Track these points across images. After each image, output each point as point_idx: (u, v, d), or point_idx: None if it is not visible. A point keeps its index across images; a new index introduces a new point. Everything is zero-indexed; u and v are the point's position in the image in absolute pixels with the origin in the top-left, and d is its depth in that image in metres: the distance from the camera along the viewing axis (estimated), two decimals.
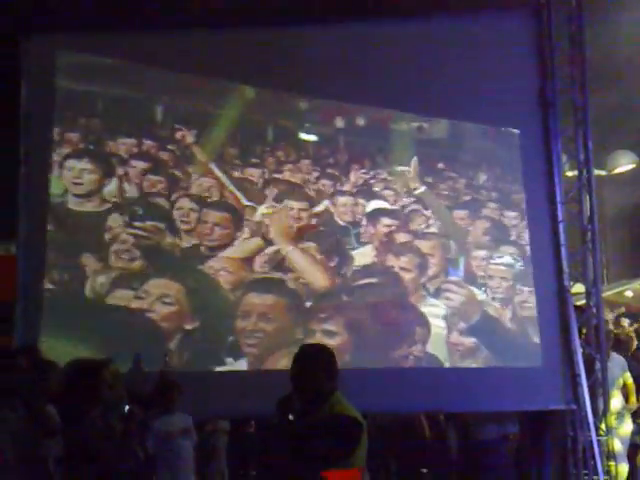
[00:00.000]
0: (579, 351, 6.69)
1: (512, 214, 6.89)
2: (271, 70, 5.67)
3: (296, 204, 5.09)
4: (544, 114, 7.19)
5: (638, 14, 8.06)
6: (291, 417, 3.33)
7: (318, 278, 5.00)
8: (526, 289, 6.80)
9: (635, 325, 8.70)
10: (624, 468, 6.91)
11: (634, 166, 11.71)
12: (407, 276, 5.03)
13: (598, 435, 6.54)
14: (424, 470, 7.64)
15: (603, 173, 11.25)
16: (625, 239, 13.10)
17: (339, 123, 5.29)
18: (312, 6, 6.21)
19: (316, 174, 5.17)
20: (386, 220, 5.13)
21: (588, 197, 7.08)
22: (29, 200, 5.07)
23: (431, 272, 5.12)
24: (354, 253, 5.04)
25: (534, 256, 6.93)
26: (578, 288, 7.40)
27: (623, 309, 11.49)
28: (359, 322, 5.02)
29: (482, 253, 5.40)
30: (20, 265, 4.99)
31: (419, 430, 7.04)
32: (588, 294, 7.02)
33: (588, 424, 6.50)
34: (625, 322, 8.61)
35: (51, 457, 3.90)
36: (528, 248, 6.92)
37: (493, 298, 5.36)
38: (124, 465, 4.14)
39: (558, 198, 7.07)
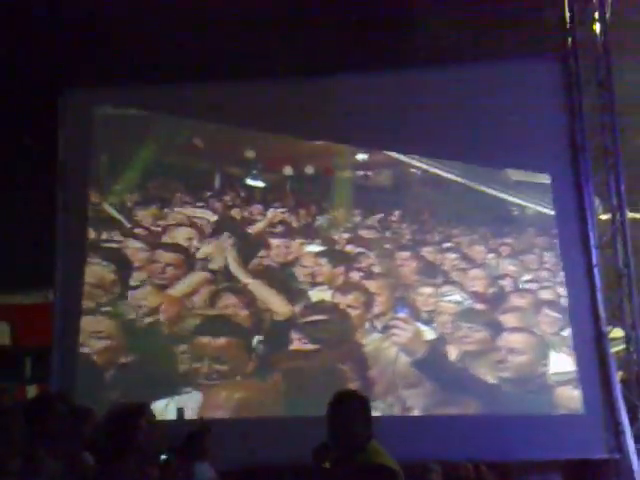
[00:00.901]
0: (620, 398, 6.53)
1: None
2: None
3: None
4: (575, 158, 7.18)
5: None
6: (327, 466, 3.28)
7: (280, 307, 5.06)
8: (565, 334, 6.70)
9: None
10: None
11: None
12: (354, 313, 5.12)
13: None
14: None
15: (638, 215, 11.12)
16: None
17: (287, 171, 5.33)
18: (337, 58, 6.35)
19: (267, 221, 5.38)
20: (333, 261, 5.30)
21: (622, 241, 7.01)
22: (66, 249, 5.14)
23: (377, 310, 5.19)
24: (304, 290, 5.20)
25: (570, 301, 6.84)
26: (616, 333, 7.27)
27: None
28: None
29: (428, 290, 5.38)
30: (57, 312, 5.03)
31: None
32: (627, 339, 6.88)
33: (632, 473, 6.30)
34: None
35: None
36: (565, 293, 6.84)
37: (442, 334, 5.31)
38: None
39: (592, 242, 7.01)
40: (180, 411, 4.80)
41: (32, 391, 7.01)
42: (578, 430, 6.31)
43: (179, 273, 5.02)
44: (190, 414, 4.71)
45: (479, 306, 5.43)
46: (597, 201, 7.59)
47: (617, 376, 6.67)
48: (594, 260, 6.97)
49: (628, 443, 6.38)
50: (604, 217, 7.99)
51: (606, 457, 6.43)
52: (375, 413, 4.78)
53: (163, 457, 4.38)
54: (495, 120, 6.84)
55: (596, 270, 6.94)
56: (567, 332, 6.27)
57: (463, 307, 5.36)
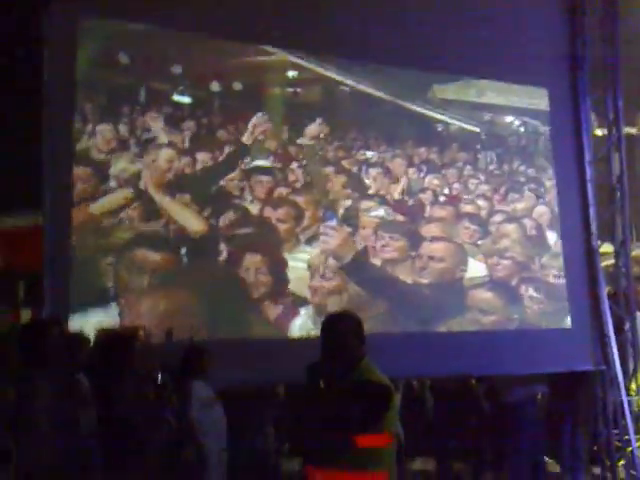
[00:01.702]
0: (608, 312, 6.63)
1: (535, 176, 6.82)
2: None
3: (169, 154, 5.15)
4: (573, 72, 7.04)
5: None
6: (322, 384, 3.34)
7: (193, 224, 5.09)
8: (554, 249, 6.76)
9: None
10: None
11: None
12: (283, 226, 5.24)
13: (628, 395, 6.52)
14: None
15: (633, 131, 11.03)
16: None
17: (215, 87, 5.35)
18: None
19: (190, 132, 5.23)
20: (264, 177, 5.30)
21: (618, 156, 6.95)
22: (54, 170, 5.06)
23: (306, 222, 5.33)
24: (232, 203, 5.21)
25: (562, 216, 6.85)
26: (606, 248, 7.31)
27: None
28: None
29: (353, 203, 5.51)
30: (47, 236, 5.00)
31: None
32: (617, 254, 6.94)
33: (618, 384, 6.47)
34: None
35: (84, 426, 3.94)
36: (556, 208, 6.85)
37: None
38: (158, 433, 4.20)
39: (587, 158, 6.96)
40: (169, 332, 4.84)
41: (26, 315, 7.07)
42: (565, 343, 6.43)
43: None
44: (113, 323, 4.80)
45: (400, 217, 5.57)
46: (593, 116, 7.49)
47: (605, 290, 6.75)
48: (588, 175, 6.94)
49: (614, 354, 6.52)
50: (599, 133, 7.93)
51: (592, 369, 6.59)
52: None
53: (159, 377, 4.46)
54: (492, 32, 6.62)
55: (589, 185, 6.92)
56: (481, 241, 6.06)
57: (385, 220, 5.50)
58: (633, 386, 6.60)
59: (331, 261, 5.30)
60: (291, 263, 5.23)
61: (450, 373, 6.64)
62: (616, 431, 6.53)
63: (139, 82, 5.19)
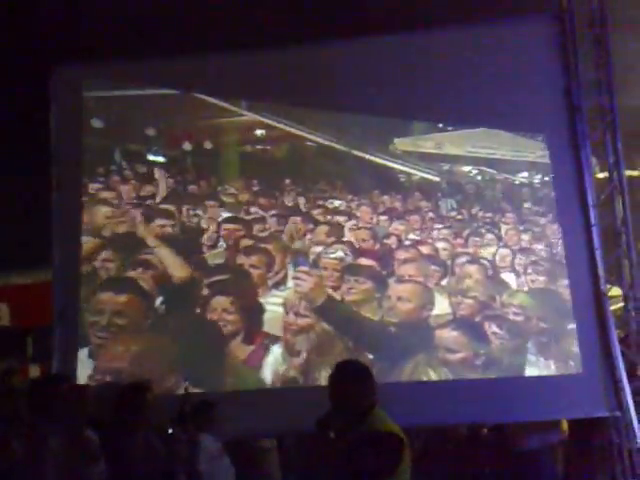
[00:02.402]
0: (619, 356, 6.57)
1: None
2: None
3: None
4: (571, 118, 7.13)
5: None
6: (332, 435, 3.32)
7: (179, 270, 5.47)
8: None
9: None
10: None
11: None
12: (255, 272, 5.59)
13: None
14: None
15: (635, 173, 11.09)
16: None
17: (187, 147, 5.74)
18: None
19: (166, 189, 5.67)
20: (234, 226, 5.70)
21: (620, 199, 6.98)
22: (63, 227, 5.13)
23: (277, 268, 5.68)
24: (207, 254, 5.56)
25: (569, 261, 6.85)
26: (614, 292, 7.29)
27: None
28: None
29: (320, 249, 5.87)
30: (56, 291, 5.04)
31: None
32: (625, 297, 6.90)
33: (634, 430, 6.37)
34: None
35: None
36: (562, 253, 6.86)
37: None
38: None
39: (590, 201, 6.99)
40: (186, 387, 4.86)
41: (34, 370, 7.08)
42: (577, 389, 6.35)
43: None
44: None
45: (365, 261, 5.88)
46: (594, 160, 7.56)
47: (615, 334, 6.70)
48: (592, 219, 6.96)
49: (628, 400, 6.44)
50: (601, 176, 7.98)
51: (607, 415, 6.50)
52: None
53: (170, 431, 4.45)
54: (489, 82, 6.77)
55: (594, 229, 6.93)
56: (445, 281, 6.22)
57: (349, 264, 5.83)
58: None
59: (304, 303, 5.59)
60: (266, 306, 5.56)
61: (460, 421, 6.59)
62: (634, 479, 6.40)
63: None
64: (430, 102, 6.51)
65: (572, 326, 6.48)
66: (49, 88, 5.10)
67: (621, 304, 7.05)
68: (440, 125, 6.57)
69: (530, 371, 6.23)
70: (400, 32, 6.57)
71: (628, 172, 8.34)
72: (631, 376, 6.56)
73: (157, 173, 5.58)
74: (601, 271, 6.81)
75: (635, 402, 6.46)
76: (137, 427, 4.22)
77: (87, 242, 5.27)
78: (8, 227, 6.17)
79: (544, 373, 6.27)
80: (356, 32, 6.30)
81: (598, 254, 6.85)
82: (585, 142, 7.07)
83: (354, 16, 6.55)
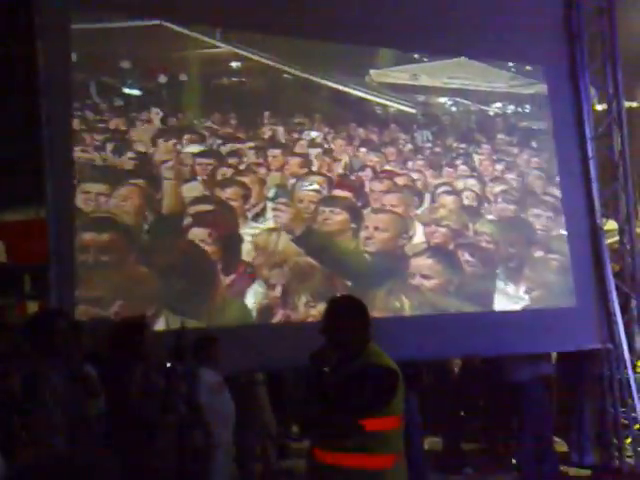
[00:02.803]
0: (613, 289, 6.62)
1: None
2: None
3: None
4: (570, 47, 7.00)
5: None
6: (326, 369, 3.35)
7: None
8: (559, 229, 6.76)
9: None
10: None
11: None
12: (235, 204, 5.61)
13: (635, 373, 6.52)
14: (462, 413, 7.75)
15: (634, 105, 10.96)
16: None
17: (162, 79, 5.64)
18: None
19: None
20: (208, 160, 5.63)
21: (619, 131, 6.91)
22: (54, 163, 5.07)
23: (254, 201, 5.70)
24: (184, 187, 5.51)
25: (565, 195, 6.83)
26: (611, 225, 7.29)
27: None
28: None
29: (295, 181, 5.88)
30: (51, 229, 5.02)
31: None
32: (621, 231, 6.91)
33: (625, 362, 6.47)
34: None
35: (94, 416, 3.97)
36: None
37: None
38: (168, 419, 4.24)
39: (587, 134, 6.93)
40: (183, 322, 4.90)
41: (32, 307, 7.11)
42: (571, 322, 6.41)
43: None
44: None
45: (341, 193, 5.96)
46: (593, 91, 7.45)
47: (610, 268, 6.74)
48: (589, 152, 6.91)
49: (620, 333, 6.52)
50: (599, 108, 7.88)
51: (599, 347, 6.59)
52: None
53: (169, 365, 4.49)
54: (488, 9, 6.62)
55: (591, 162, 6.89)
56: (420, 210, 6.27)
57: (325, 195, 5.88)
58: (639, 363, 6.60)
59: (283, 234, 5.67)
60: (244, 237, 5.59)
61: (455, 354, 6.68)
62: (623, 409, 6.53)
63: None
64: (422, 30, 6.38)
65: (540, 254, 6.52)
66: (34, 22, 4.97)
67: (616, 238, 7.05)
68: (416, 56, 6.52)
69: (499, 298, 6.32)
70: None
71: (627, 103, 8.23)
72: (624, 309, 6.62)
73: (133, 106, 5.48)
74: (597, 204, 6.81)
75: (626, 335, 6.55)
76: (135, 363, 4.25)
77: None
78: (2, 164, 6.10)
79: (513, 299, 6.35)
80: None
81: (594, 187, 6.84)
82: (584, 72, 6.97)
83: None
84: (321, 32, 6.07)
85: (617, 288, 6.65)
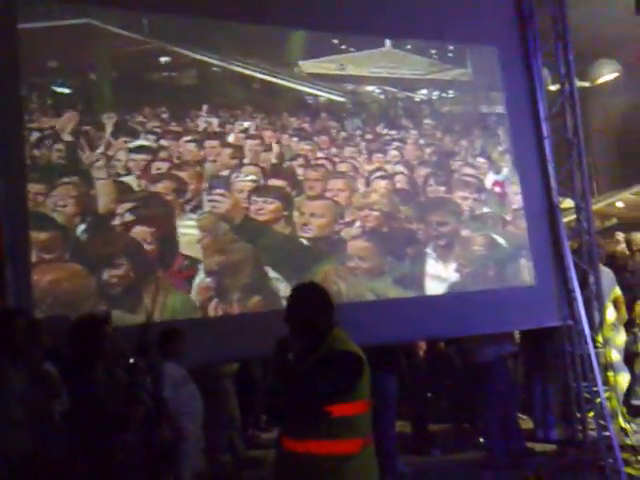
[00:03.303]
0: (572, 267, 6.72)
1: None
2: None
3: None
4: (522, 29, 7.07)
5: None
6: (291, 357, 3.35)
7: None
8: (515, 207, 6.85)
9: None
10: (623, 377, 7.06)
11: (617, 74, 11.59)
12: (167, 198, 5.64)
13: (595, 347, 6.63)
14: (429, 394, 7.84)
15: (587, 84, 11.13)
16: (612, 149, 13.05)
17: (92, 76, 5.65)
18: None
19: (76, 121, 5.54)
20: (142, 156, 5.66)
21: (572, 111, 7.00)
22: (4, 156, 4.97)
23: (190, 195, 5.74)
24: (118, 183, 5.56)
25: (521, 175, 6.91)
26: (567, 203, 7.40)
27: (615, 220, 11.54)
28: None
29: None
30: (4, 226, 4.91)
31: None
32: (578, 209, 7.00)
33: (585, 338, 6.58)
34: (620, 236, 8.60)
35: (57, 414, 3.92)
36: (515, 167, 6.92)
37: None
38: (132, 415, 4.20)
39: (542, 114, 7.01)
40: (148, 318, 4.86)
41: None
42: (531, 301, 6.48)
43: None
44: None
45: (275, 182, 6.06)
46: (545, 72, 7.53)
47: (568, 245, 6.84)
48: (544, 132, 6.99)
49: (580, 309, 6.62)
50: (552, 88, 7.98)
51: (560, 324, 6.69)
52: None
53: (131, 360, 4.44)
54: None
55: (547, 142, 6.97)
56: (354, 197, 6.33)
57: (258, 185, 5.97)
58: (599, 339, 6.70)
59: (222, 224, 5.73)
60: (181, 230, 5.61)
61: (419, 337, 6.74)
62: (585, 384, 6.65)
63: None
64: (371, 13, 6.40)
65: (466, 232, 6.59)
66: None
67: (573, 216, 7.16)
68: (343, 47, 6.56)
69: (430, 279, 6.38)
70: None
71: (580, 83, 8.34)
72: (582, 285, 6.73)
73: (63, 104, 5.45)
74: (554, 183, 6.89)
75: (585, 311, 6.65)
76: (97, 359, 4.20)
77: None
78: None
79: (443, 276, 6.43)
80: None
81: (550, 167, 6.93)
82: (536, 53, 7.05)
83: None
84: (245, 15, 6.07)
85: (575, 265, 6.74)
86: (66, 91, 5.51)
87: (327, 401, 3.19)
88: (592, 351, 6.55)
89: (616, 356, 6.94)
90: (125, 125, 5.60)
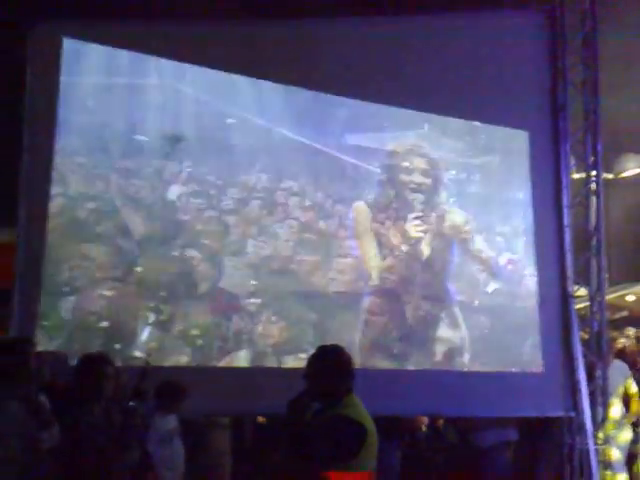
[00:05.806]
0: (580, 357, 6.63)
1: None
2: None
3: None
4: (554, 116, 7.13)
5: None
6: (308, 418, 3.29)
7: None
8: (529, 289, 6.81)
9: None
10: (621, 478, 6.85)
11: None
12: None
13: (596, 444, 6.49)
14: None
15: (610, 176, 11.19)
16: (628, 241, 13.04)
17: None
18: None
19: None
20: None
21: (596, 201, 7.01)
22: (30, 188, 5.00)
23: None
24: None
25: (538, 259, 6.89)
26: (580, 291, 7.35)
27: (626, 313, 11.42)
28: None
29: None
30: (19, 253, 4.93)
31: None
32: (591, 300, 6.95)
33: (586, 432, 6.45)
34: (630, 331, 8.49)
35: (47, 449, 3.86)
36: (533, 251, 6.90)
37: None
38: (123, 458, 4.13)
39: (565, 202, 7.01)
40: (147, 361, 4.79)
41: None
42: (537, 388, 6.41)
43: None
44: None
45: (314, 237, 6.37)
46: (572, 160, 7.58)
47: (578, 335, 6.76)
48: (565, 220, 6.99)
49: (584, 402, 6.51)
50: (577, 176, 8.01)
51: (562, 415, 6.57)
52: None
53: (131, 404, 4.39)
54: (476, 73, 6.74)
55: (567, 230, 6.96)
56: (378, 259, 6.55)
57: (302, 238, 6.30)
58: (601, 435, 6.56)
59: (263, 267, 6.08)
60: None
61: (420, 412, 6.61)
62: None
63: None
64: (414, 91, 6.49)
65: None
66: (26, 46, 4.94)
67: (586, 303, 7.09)
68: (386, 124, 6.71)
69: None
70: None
71: (603, 174, 8.37)
72: (589, 377, 6.62)
73: None
74: (570, 272, 6.86)
75: (590, 404, 6.53)
76: (95, 397, 4.16)
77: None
78: None
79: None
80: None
81: (569, 256, 6.90)
82: (566, 141, 7.09)
83: None
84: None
85: (584, 356, 6.65)
86: None
87: (324, 465, 3.12)
88: (591, 447, 6.41)
89: (617, 455, 6.74)
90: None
